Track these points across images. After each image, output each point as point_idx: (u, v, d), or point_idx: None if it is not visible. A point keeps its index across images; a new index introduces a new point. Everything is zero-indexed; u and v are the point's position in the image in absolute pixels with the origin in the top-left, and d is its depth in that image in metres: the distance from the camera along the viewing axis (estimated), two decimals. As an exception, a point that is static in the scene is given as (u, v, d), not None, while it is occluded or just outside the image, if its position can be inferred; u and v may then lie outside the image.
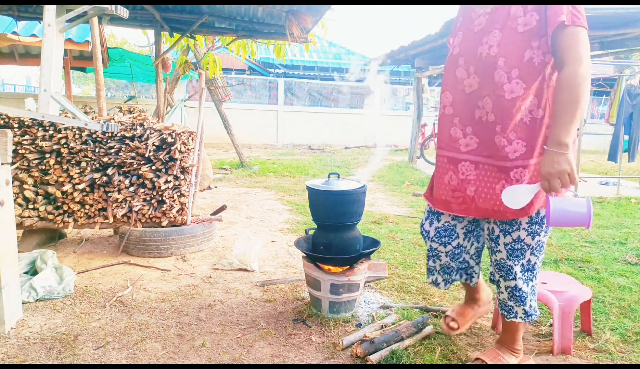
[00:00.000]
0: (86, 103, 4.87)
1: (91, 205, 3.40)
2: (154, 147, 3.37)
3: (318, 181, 2.54)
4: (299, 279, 3.03)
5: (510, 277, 1.84)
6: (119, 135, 3.36)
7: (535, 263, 1.83)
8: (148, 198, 3.43)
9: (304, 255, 2.58)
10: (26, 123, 3.26)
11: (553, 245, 3.94)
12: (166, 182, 3.39)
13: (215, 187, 6.73)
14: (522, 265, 1.81)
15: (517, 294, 1.85)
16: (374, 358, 1.98)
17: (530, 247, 1.79)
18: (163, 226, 3.48)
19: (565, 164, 1.56)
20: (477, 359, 2.00)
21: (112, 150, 3.36)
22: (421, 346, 2.15)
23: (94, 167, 3.37)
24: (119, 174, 3.39)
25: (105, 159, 3.35)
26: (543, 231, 1.79)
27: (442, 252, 1.99)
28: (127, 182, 3.36)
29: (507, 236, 1.80)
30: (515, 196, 1.64)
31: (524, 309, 1.87)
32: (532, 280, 1.86)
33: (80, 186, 3.32)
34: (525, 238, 1.78)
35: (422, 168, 9.64)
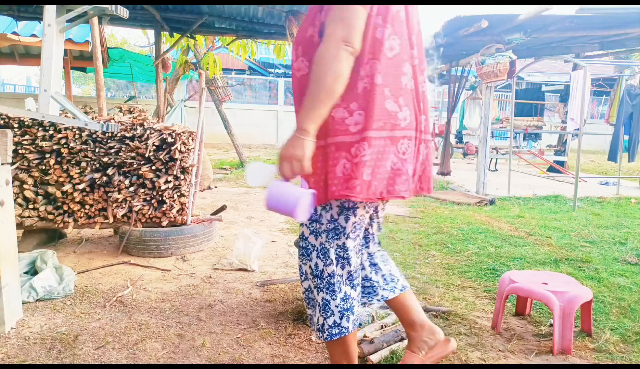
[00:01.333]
0: (86, 103, 4.88)
1: (91, 205, 3.40)
2: (154, 147, 3.37)
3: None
4: (299, 279, 3.02)
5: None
6: (119, 135, 3.36)
7: None
8: (148, 198, 3.43)
9: (304, 255, 2.57)
10: (26, 123, 3.26)
11: (553, 245, 3.94)
12: (166, 182, 3.39)
13: (216, 187, 6.73)
14: None
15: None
16: (374, 358, 1.98)
17: None
18: (163, 226, 3.48)
19: (299, 150, 1.42)
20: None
21: (112, 150, 3.36)
22: (421, 346, 2.15)
23: (94, 167, 3.37)
24: (119, 174, 3.38)
25: (105, 159, 3.35)
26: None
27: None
28: (127, 182, 3.36)
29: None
30: (258, 173, 1.52)
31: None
32: None
33: (80, 186, 3.32)
34: None
35: (422, 168, 9.63)
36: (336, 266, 1.62)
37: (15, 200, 3.24)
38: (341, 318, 1.62)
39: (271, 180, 1.49)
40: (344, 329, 1.63)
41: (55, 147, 3.30)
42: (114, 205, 3.39)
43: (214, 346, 2.15)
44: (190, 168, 3.50)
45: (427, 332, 1.78)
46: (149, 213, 3.42)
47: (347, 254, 1.64)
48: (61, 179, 3.33)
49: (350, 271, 1.65)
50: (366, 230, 1.79)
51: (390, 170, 1.53)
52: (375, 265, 1.83)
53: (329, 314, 1.64)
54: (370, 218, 1.79)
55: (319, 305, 1.66)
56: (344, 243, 1.62)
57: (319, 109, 1.43)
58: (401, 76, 1.53)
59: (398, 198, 1.56)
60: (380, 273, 1.81)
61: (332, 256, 1.62)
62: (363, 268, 1.80)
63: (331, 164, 1.50)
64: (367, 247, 1.82)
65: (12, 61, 8.26)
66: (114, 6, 2.57)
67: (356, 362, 1.71)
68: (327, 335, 1.64)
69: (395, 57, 1.52)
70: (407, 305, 1.80)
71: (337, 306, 1.62)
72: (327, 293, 1.63)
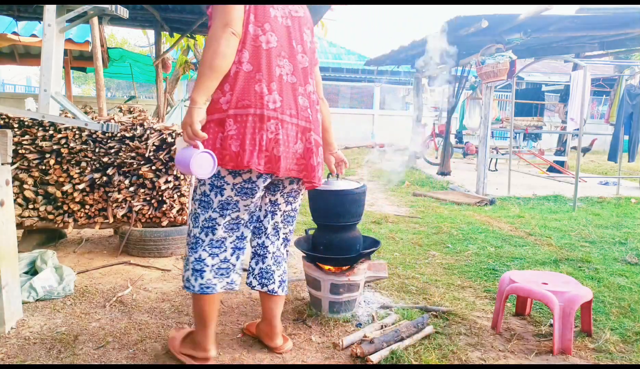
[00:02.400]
0: (86, 103, 4.88)
1: (91, 205, 3.40)
2: (154, 147, 3.37)
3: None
4: (299, 279, 3.03)
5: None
6: (119, 135, 3.36)
7: None
8: (148, 198, 3.43)
9: (304, 255, 2.58)
10: (26, 123, 3.26)
11: (553, 245, 3.94)
12: (166, 182, 3.39)
13: (215, 187, 6.72)
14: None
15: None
16: (374, 358, 1.98)
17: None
18: (163, 226, 3.48)
19: (188, 117, 1.68)
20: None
21: (112, 150, 3.36)
22: (421, 346, 2.15)
23: (94, 167, 3.37)
24: (119, 174, 3.38)
25: (105, 159, 3.35)
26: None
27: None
28: (127, 182, 3.36)
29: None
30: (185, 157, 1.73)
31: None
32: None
33: (80, 187, 3.32)
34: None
35: (422, 168, 9.65)
36: (200, 232, 1.89)
37: (15, 200, 3.24)
38: (191, 276, 1.89)
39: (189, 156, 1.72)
40: (191, 286, 1.88)
41: (55, 147, 3.30)
42: (114, 205, 3.39)
43: (214, 346, 2.15)
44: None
45: (267, 333, 2.11)
46: (149, 213, 3.42)
47: (213, 224, 1.87)
48: (61, 179, 3.33)
49: (213, 240, 1.89)
50: (261, 222, 2.03)
51: (259, 145, 1.73)
52: (260, 255, 2.07)
53: (186, 268, 1.92)
54: (271, 211, 2.02)
55: (186, 257, 1.95)
56: (210, 216, 1.87)
57: (203, 82, 1.67)
58: (275, 66, 1.77)
59: (258, 171, 1.75)
60: (259, 266, 2.07)
61: (200, 222, 1.88)
62: (243, 252, 2.01)
63: (212, 138, 1.74)
64: (259, 238, 2.05)
65: (12, 61, 8.25)
66: (114, 6, 2.57)
67: (208, 328, 1.91)
68: (183, 286, 1.94)
69: (271, 50, 1.77)
70: (269, 306, 2.09)
71: (191, 263, 1.90)
72: (188, 250, 1.92)
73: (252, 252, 2.09)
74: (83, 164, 3.35)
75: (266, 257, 2.06)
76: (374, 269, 2.57)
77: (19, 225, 3.26)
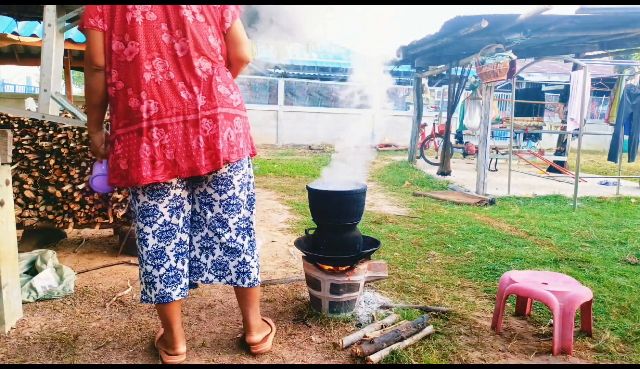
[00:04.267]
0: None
1: (91, 205, 3.40)
2: (154, 147, 3.37)
3: (318, 181, 2.54)
4: (299, 279, 3.03)
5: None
6: (119, 135, 3.36)
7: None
8: (148, 198, 3.42)
9: (304, 254, 2.58)
10: (26, 123, 3.26)
11: (553, 245, 3.94)
12: (166, 181, 3.39)
13: (215, 187, 6.72)
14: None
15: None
16: (374, 358, 1.98)
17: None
18: (163, 226, 3.48)
19: (91, 145, 1.99)
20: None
21: (112, 150, 3.35)
22: (421, 346, 2.15)
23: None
24: (119, 174, 3.38)
25: (105, 159, 3.35)
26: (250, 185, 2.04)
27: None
28: (127, 181, 3.35)
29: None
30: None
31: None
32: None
33: (80, 186, 3.32)
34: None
35: (422, 168, 9.64)
36: (138, 244, 1.94)
37: (15, 200, 3.24)
38: (145, 288, 1.96)
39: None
40: (148, 298, 1.96)
41: (55, 147, 3.29)
42: (114, 205, 3.39)
43: (214, 346, 2.15)
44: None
45: (245, 329, 2.10)
46: (149, 213, 3.41)
47: (142, 235, 1.92)
48: (61, 179, 3.33)
49: (150, 252, 1.91)
50: (198, 214, 1.99)
51: (145, 157, 1.75)
52: (208, 248, 2.02)
53: (140, 281, 1.99)
54: (205, 205, 1.97)
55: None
56: (138, 226, 1.93)
57: (89, 115, 1.93)
58: (143, 73, 1.75)
59: (155, 181, 1.77)
60: (210, 258, 2.02)
61: (136, 235, 1.95)
62: (193, 249, 2.02)
63: (110, 158, 1.87)
64: (201, 230, 2.01)
65: (12, 61, 8.26)
66: (114, 6, 2.57)
67: (174, 331, 1.98)
68: (140, 299, 2.02)
69: (137, 58, 1.75)
70: (239, 301, 2.09)
71: (142, 276, 1.97)
72: (139, 264, 1.97)
73: (199, 247, 2.01)
74: (83, 164, 3.35)
75: (214, 248, 1.99)
76: (374, 269, 2.57)
77: (19, 225, 3.26)
